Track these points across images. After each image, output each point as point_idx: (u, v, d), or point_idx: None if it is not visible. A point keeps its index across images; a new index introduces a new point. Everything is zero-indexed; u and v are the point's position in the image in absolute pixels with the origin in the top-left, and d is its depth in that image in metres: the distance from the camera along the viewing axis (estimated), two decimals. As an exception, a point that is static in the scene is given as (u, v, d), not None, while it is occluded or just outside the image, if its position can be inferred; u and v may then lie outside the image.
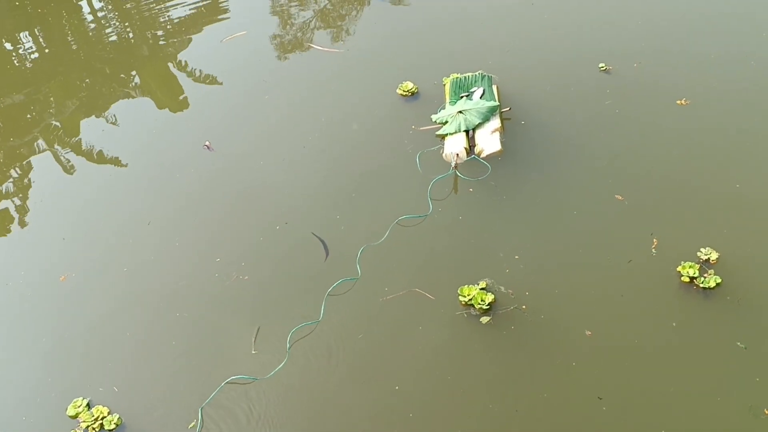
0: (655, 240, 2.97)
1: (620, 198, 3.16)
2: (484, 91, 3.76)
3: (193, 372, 2.74)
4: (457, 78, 3.92)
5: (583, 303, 2.82)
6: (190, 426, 2.53)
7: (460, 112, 3.64)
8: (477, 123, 3.59)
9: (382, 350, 2.76)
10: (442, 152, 3.57)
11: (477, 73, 3.90)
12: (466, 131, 3.62)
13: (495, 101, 3.69)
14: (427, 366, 2.67)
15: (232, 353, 2.78)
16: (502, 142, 3.53)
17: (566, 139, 3.56)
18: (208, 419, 2.54)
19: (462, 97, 3.77)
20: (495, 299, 2.80)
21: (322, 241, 3.19)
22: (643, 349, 2.65)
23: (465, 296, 2.81)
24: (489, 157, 3.49)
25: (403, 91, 3.88)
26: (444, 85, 3.96)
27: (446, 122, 3.69)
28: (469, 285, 2.86)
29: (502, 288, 2.85)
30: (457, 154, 3.50)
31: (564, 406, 2.51)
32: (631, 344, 2.67)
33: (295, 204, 3.43)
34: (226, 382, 2.65)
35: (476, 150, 3.56)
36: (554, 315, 2.77)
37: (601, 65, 3.96)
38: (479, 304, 2.76)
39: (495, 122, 3.61)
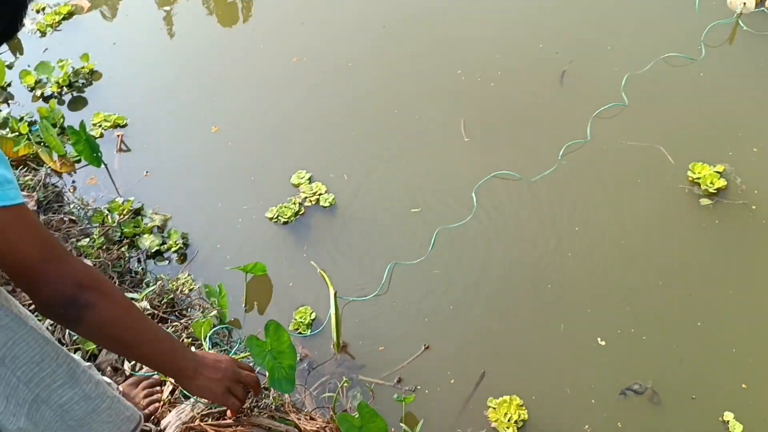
0: None
1: None
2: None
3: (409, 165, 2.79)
4: None
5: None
6: (413, 210, 2.61)
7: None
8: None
9: (588, 190, 2.64)
10: (728, -2, 3.17)
11: None
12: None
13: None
14: (623, 223, 2.50)
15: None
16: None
17: None
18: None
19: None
20: (726, 187, 2.58)
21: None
22: None
23: (695, 173, 2.54)
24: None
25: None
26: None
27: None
28: (704, 163, 2.60)
29: (738, 180, 2.63)
30: (745, 3, 3.10)
31: (748, 307, 2.24)
32: None
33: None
34: (492, 176, 2.68)
35: (767, 3, 3.14)
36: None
37: None
38: (707, 186, 2.55)
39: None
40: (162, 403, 1.92)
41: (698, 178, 2.58)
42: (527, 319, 2.29)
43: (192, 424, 1.81)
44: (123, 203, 2.71)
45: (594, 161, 2.73)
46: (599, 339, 2.21)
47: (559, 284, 2.37)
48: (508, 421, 2.02)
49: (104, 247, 2.43)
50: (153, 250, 2.56)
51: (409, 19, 3.50)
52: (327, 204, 2.65)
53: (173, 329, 2.13)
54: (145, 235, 2.61)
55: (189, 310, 2.31)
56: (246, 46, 3.50)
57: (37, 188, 2.62)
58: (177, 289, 2.35)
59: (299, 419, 1.80)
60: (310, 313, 2.31)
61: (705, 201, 2.55)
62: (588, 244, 2.47)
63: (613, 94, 2.93)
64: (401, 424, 1.87)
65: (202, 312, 2.25)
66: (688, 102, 2.90)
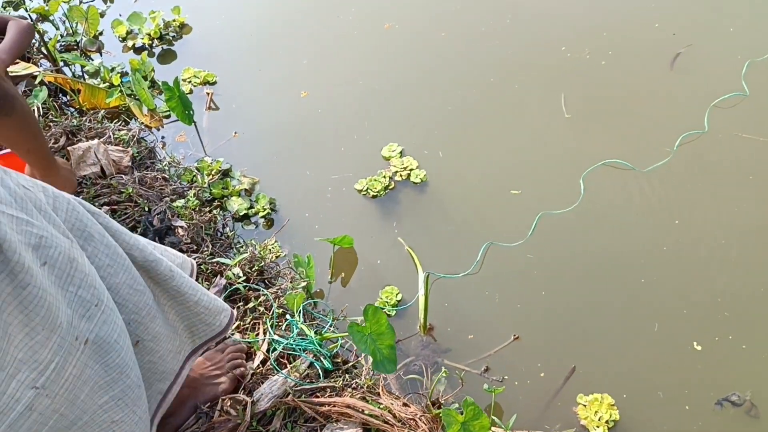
0: None
1: None
2: None
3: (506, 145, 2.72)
4: None
5: None
6: (513, 192, 2.54)
7: None
8: None
9: (698, 184, 2.51)
10: None
11: None
12: None
13: None
14: (729, 222, 2.37)
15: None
16: None
17: None
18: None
19: None
20: None
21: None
22: None
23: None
24: None
25: None
26: None
27: None
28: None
29: None
30: None
31: None
32: None
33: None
34: (603, 163, 2.58)
35: None
36: None
37: None
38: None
39: None
40: (253, 373, 1.93)
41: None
42: (621, 314, 2.22)
43: (285, 399, 1.81)
44: (212, 163, 2.71)
45: (707, 154, 2.60)
46: (695, 343, 2.13)
47: (656, 281, 2.29)
48: (599, 420, 1.97)
49: (197, 208, 2.44)
50: (241, 214, 2.56)
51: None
52: (418, 180, 2.60)
53: (264, 297, 2.13)
54: (233, 198, 2.61)
55: (277, 278, 2.30)
56: (338, 8, 3.42)
57: (132, 143, 2.63)
58: (266, 258, 2.34)
59: (392, 404, 1.79)
60: (396, 294, 2.29)
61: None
62: (689, 242, 2.37)
63: (733, 82, 2.78)
64: (492, 417, 1.84)
65: (291, 282, 2.25)
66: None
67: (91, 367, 1.14)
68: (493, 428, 1.86)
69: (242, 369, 1.93)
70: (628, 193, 2.52)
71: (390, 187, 2.59)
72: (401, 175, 2.62)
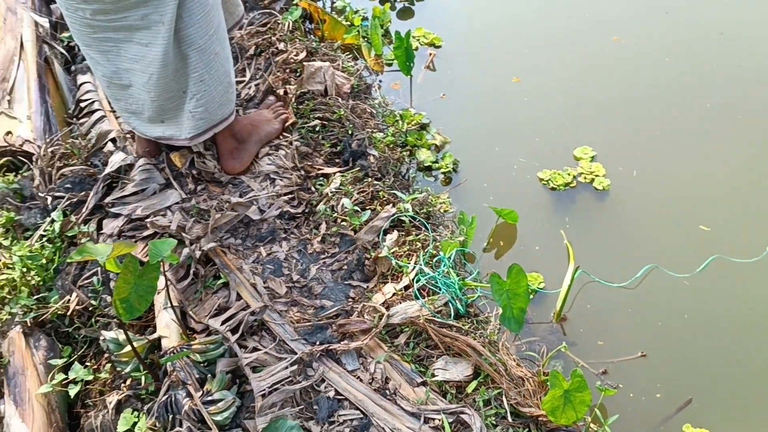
0: None
1: None
2: None
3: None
4: None
5: None
6: (702, 227, 2.52)
7: None
8: None
9: None
10: None
11: None
12: None
13: None
14: None
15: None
16: None
17: None
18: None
19: None
20: None
21: None
22: None
23: None
24: None
25: None
26: None
27: None
28: None
29: None
30: None
31: None
32: None
33: None
34: None
35: None
36: None
37: None
38: None
39: None
40: (394, 293, 2.14)
41: None
42: (755, 367, 2.19)
43: (416, 320, 2.00)
44: (414, 115, 2.94)
45: None
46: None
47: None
48: (698, 454, 1.97)
49: (391, 146, 2.69)
50: (425, 165, 2.78)
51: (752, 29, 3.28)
52: (601, 187, 2.66)
53: (425, 235, 2.32)
54: (423, 149, 2.83)
55: (438, 227, 2.49)
56: (573, 10, 3.52)
57: (355, 76, 2.93)
58: (435, 206, 2.54)
59: (507, 360, 1.92)
60: (540, 282, 2.38)
61: None
62: None
63: None
64: (596, 410, 1.90)
65: (451, 234, 2.42)
66: None
67: None
68: (592, 425, 1.93)
69: (285, 115, 2.57)
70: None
71: (571, 185, 2.68)
72: (585, 178, 2.69)
